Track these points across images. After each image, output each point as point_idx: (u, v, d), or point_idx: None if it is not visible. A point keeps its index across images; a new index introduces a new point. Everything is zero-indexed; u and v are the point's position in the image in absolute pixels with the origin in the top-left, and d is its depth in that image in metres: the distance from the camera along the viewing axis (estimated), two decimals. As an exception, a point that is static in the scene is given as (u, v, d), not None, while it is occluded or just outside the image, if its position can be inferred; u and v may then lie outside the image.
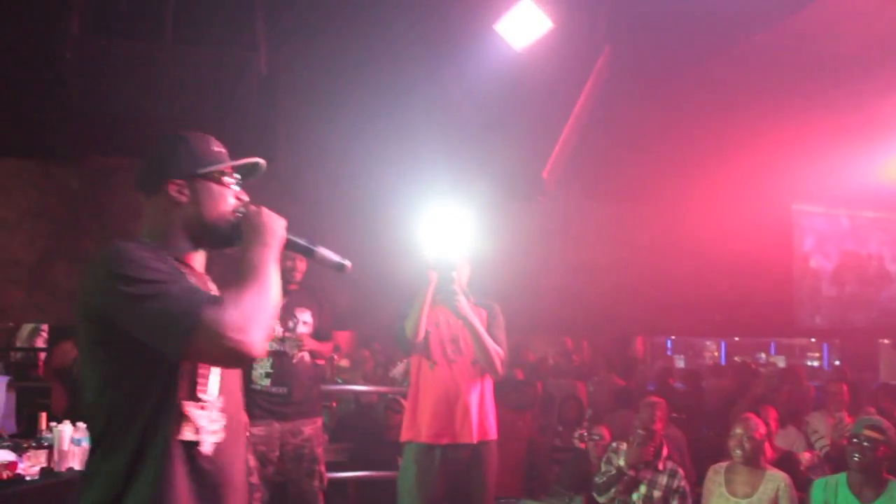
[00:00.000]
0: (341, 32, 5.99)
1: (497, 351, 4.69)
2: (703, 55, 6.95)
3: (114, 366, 1.96)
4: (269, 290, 1.97)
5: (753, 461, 4.89)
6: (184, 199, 2.11)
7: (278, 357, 5.13)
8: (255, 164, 2.21)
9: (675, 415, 6.68)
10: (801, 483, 5.22)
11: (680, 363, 13.29)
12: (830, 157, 7.89)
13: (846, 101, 7.15)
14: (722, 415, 7.70)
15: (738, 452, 4.91)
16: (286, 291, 5.12)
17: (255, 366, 5.10)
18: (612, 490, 5.26)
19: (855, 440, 4.46)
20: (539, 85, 5.98)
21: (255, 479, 4.97)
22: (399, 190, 6.26)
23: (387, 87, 6.01)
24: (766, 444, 5.13)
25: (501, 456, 4.82)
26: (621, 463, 5.28)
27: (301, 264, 5.26)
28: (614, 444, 5.48)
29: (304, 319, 5.27)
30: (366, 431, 7.00)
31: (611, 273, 8.28)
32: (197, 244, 2.16)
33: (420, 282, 4.65)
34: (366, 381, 8.70)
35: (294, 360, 5.16)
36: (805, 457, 5.60)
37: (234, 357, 1.89)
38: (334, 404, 7.89)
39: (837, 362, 12.19)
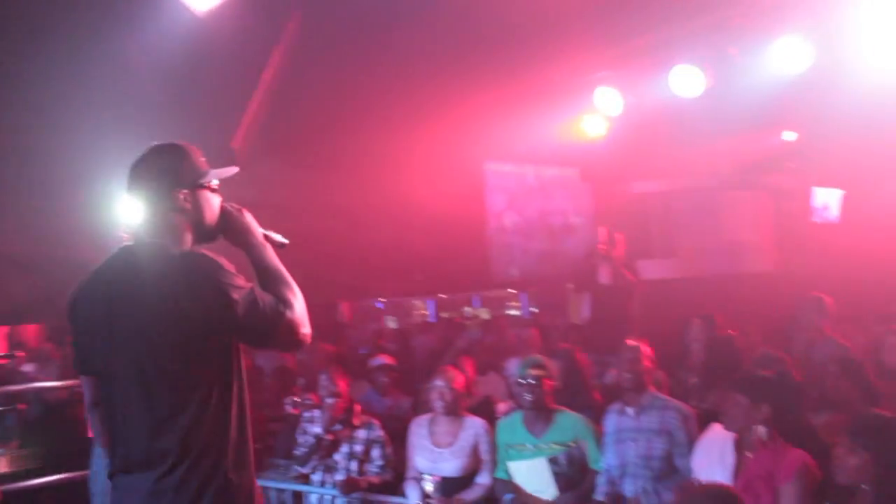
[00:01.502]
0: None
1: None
2: (393, 21, 7.04)
3: (205, 355, 2.36)
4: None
5: (453, 411, 5.09)
6: (188, 206, 2.49)
7: None
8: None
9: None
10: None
11: (392, 324, 13.60)
12: (518, 118, 8.35)
13: (528, 64, 7.58)
14: (431, 370, 7.96)
15: (440, 404, 5.09)
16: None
17: None
18: (313, 458, 5.28)
19: (522, 381, 4.79)
20: (225, 51, 5.71)
21: None
22: (85, 168, 5.75)
23: (62, 55, 5.44)
24: (467, 393, 5.36)
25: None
26: (317, 430, 5.32)
27: None
28: (307, 415, 5.50)
29: None
30: (60, 431, 6.42)
31: (314, 241, 8.21)
32: (195, 243, 2.54)
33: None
34: (60, 378, 7.93)
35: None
36: (500, 407, 5.92)
37: (300, 346, 2.52)
38: (22, 406, 7.13)
39: (534, 309, 13.10)
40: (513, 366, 7.22)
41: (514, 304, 14.13)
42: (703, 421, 4.67)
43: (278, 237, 2.67)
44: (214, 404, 2.37)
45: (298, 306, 2.45)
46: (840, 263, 8.13)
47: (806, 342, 5.92)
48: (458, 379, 5.19)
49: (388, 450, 5.34)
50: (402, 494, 5.06)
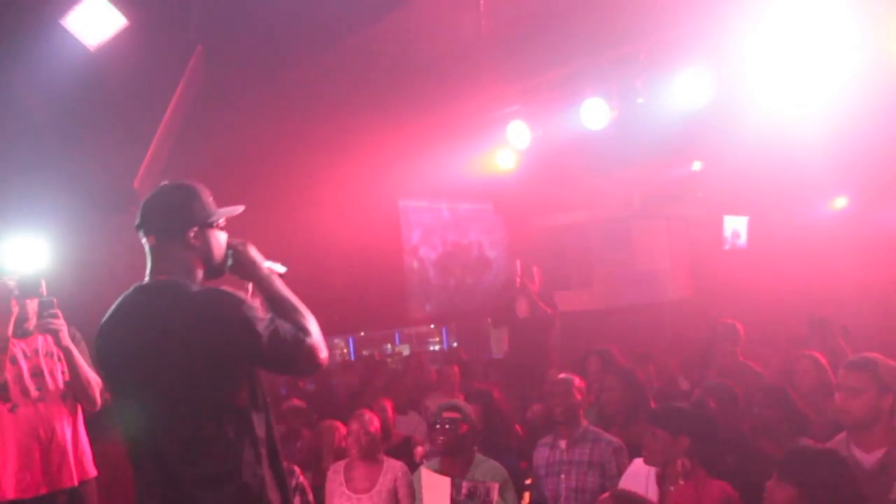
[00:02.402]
0: None
1: (96, 379, 4.28)
2: (302, 57, 6.94)
3: (233, 385, 2.47)
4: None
5: (370, 455, 4.93)
6: (198, 243, 2.61)
7: None
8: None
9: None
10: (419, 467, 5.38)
11: (311, 363, 13.33)
12: (430, 154, 8.35)
13: (440, 101, 7.59)
14: (352, 409, 7.80)
15: (356, 448, 4.92)
16: None
17: None
18: None
19: (437, 425, 4.57)
20: (124, 87, 5.49)
21: None
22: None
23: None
24: (383, 436, 5.21)
25: (119, 492, 4.39)
26: None
27: None
28: None
29: None
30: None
31: (226, 281, 7.99)
32: (205, 278, 2.65)
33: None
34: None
35: None
36: (418, 451, 5.79)
37: (319, 370, 2.63)
38: None
39: (455, 344, 13.03)
40: (433, 404, 7.15)
41: (434, 339, 14.06)
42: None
43: (277, 266, 2.76)
44: (246, 431, 2.47)
45: (315, 332, 2.54)
46: (750, 288, 8.31)
47: (720, 369, 5.98)
48: (374, 422, 5.04)
49: (310, 497, 5.14)
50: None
